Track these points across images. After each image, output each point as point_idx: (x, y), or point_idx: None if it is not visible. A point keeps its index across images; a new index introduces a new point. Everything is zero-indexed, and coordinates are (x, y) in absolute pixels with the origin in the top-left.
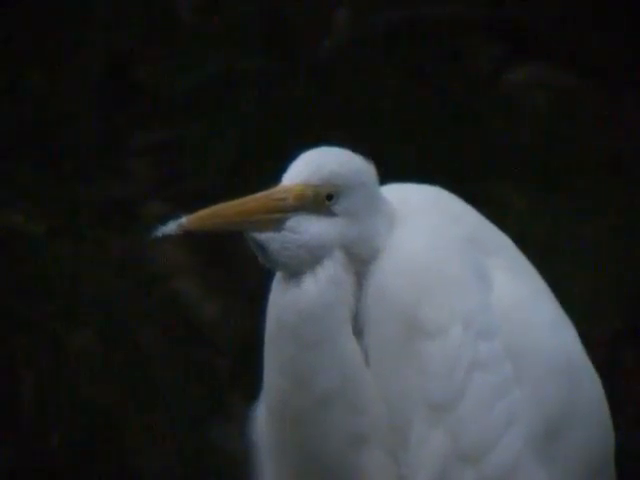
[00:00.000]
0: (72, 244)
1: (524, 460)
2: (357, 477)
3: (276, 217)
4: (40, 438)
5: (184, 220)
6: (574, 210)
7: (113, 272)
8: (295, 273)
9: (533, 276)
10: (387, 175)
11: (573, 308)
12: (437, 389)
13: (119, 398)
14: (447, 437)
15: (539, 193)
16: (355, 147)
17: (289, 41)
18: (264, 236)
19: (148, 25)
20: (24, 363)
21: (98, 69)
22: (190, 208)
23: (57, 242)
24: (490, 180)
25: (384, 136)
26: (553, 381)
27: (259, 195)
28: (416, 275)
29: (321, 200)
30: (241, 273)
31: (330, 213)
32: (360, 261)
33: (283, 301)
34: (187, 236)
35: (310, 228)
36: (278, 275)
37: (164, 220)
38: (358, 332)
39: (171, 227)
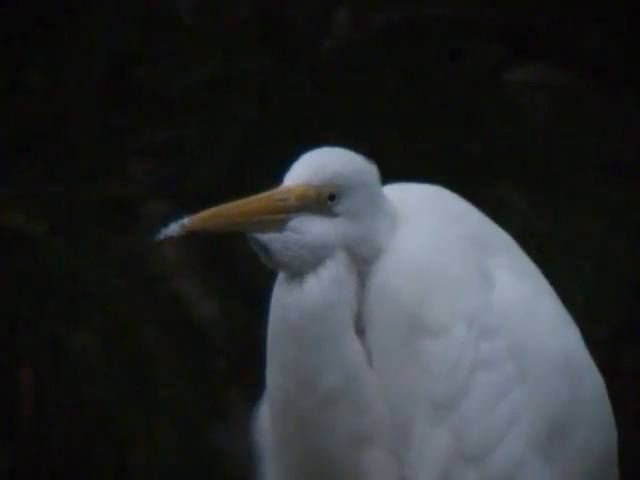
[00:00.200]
0: (72, 244)
1: (527, 459)
2: (360, 477)
3: (278, 217)
4: (40, 438)
5: (186, 221)
6: (574, 210)
7: (113, 272)
8: (297, 273)
9: (535, 275)
10: (387, 175)
11: (573, 308)
12: (440, 388)
13: (119, 398)
14: (450, 436)
15: (539, 193)
16: (355, 147)
17: (289, 41)
18: (266, 237)
19: (148, 25)
20: (24, 363)
21: (98, 69)
22: (190, 208)
23: (57, 242)
24: (490, 180)
25: (384, 136)
26: (556, 380)
27: (261, 195)
28: (418, 274)
29: (323, 200)
30: (241, 273)
31: (332, 213)
32: (362, 261)
33: (286, 301)
34: (189, 237)
35: (312, 228)
36: (280, 276)
37: (166, 221)
38: (360, 332)
39: (173, 228)
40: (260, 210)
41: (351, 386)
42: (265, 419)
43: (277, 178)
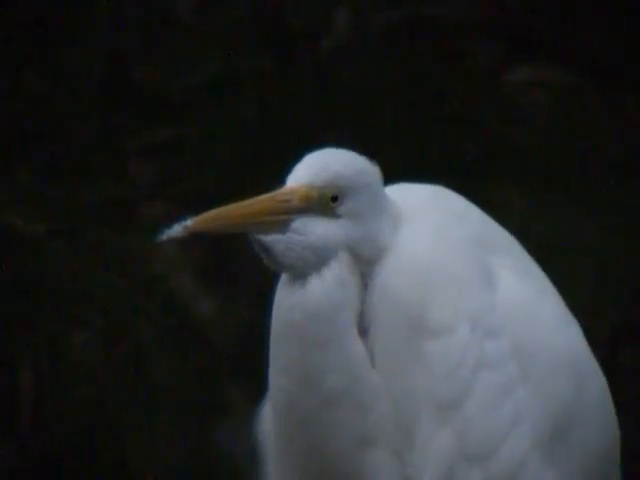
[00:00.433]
0: (72, 244)
1: (530, 459)
2: (362, 477)
3: (281, 219)
4: (40, 438)
5: (189, 222)
6: (574, 210)
7: (112, 272)
8: (300, 274)
9: (538, 275)
10: (387, 175)
11: (573, 308)
12: (443, 388)
13: (119, 398)
14: (453, 436)
15: (539, 193)
16: (355, 147)
17: (289, 41)
18: (269, 238)
19: (148, 25)
20: (24, 363)
21: (98, 69)
22: (190, 208)
23: (57, 242)
24: (490, 180)
25: (384, 136)
26: (559, 380)
27: (264, 197)
28: (421, 275)
29: (326, 201)
30: (240, 272)
31: (335, 214)
32: (365, 261)
33: (289, 302)
34: (191, 238)
35: (315, 229)
36: (283, 277)
37: (168, 222)
38: (363, 332)
39: (176, 230)
40: (263, 211)
41: (354, 386)
42: (268, 419)
43: (277, 178)
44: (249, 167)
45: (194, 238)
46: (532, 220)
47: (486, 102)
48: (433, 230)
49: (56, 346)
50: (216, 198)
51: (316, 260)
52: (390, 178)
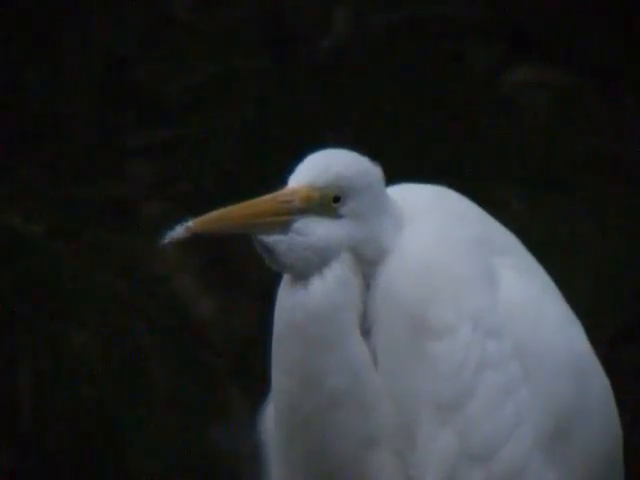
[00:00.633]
0: (72, 244)
1: (533, 459)
2: (365, 477)
3: (283, 219)
4: (40, 438)
5: (191, 223)
6: (574, 210)
7: (113, 272)
8: (302, 275)
9: (540, 274)
10: (387, 175)
11: (573, 308)
12: (445, 389)
13: (119, 398)
14: (456, 437)
15: (539, 193)
16: (355, 147)
17: (289, 41)
18: (271, 238)
19: (147, 25)
20: (24, 363)
21: (98, 69)
22: (190, 208)
23: (57, 242)
24: (490, 180)
25: (384, 136)
26: (561, 380)
27: (265, 197)
28: (423, 275)
29: (328, 202)
30: (240, 273)
31: (337, 215)
32: (367, 262)
33: (291, 302)
34: (193, 239)
35: (317, 230)
36: (285, 277)
37: (168, 223)
38: (366, 333)
39: (178, 231)
40: (264, 212)
41: (356, 387)
42: (270, 420)
43: (277, 178)
44: (249, 167)
45: (196, 239)
46: (532, 220)
47: (486, 102)
48: (435, 230)
49: (56, 346)
50: (216, 198)
51: (318, 261)
52: (390, 178)
